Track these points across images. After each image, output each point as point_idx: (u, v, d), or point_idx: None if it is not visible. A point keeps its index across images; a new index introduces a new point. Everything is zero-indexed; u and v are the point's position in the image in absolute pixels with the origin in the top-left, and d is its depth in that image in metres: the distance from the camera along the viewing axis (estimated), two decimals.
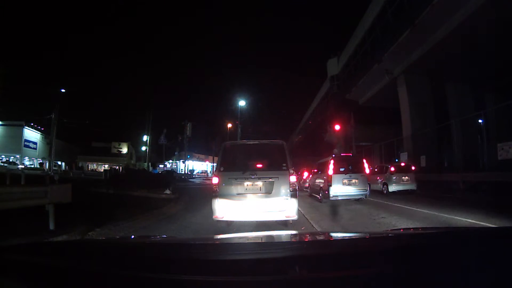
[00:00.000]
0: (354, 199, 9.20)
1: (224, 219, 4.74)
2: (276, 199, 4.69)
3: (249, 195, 4.71)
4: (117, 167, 38.17)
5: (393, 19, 15.61)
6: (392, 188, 11.60)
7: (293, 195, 4.72)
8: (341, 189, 8.88)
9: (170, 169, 46.61)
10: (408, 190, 11.55)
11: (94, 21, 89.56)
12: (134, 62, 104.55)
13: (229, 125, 31.20)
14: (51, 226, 4.45)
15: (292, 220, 4.91)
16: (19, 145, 42.81)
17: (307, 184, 12.88)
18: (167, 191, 11.17)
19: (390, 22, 15.94)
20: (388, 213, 6.78)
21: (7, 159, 38.92)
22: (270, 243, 1.44)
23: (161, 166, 49.46)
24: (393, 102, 18.29)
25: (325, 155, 12.81)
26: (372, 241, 1.37)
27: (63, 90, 28.39)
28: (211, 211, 4.83)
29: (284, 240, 1.67)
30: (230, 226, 5.15)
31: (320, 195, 9.44)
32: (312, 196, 10.96)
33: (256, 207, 4.67)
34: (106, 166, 49.30)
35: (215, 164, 8.90)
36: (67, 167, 49.55)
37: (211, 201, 4.80)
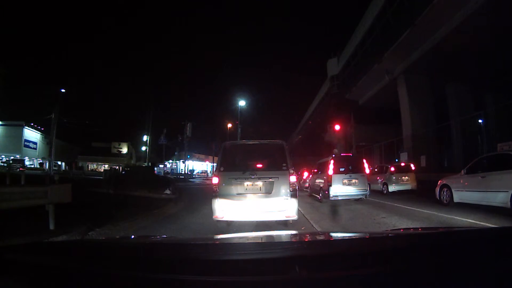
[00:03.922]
0: (354, 199, 9.20)
1: (224, 219, 4.73)
2: (276, 199, 4.68)
3: (249, 195, 4.70)
4: (117, 167, 38.15)
5: (393, 19, 15.60)
6: (392, 188, 11.60)
7: (293, 195, 4.71)
8: (341, 189, 8.88)
9: (167, 171, 46.69)
10: (408, 190, 11.55)
11: (94, 21, 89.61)
12: (135, 62, 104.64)
13: (229, 125, 31.18)
14: (51, 226, 4.45)
15: (292, 220, 4.90)
16: (19, 145, 42.84)
17: (307, 184, 12.88)
18: (167, 191, 11.17)
19: (390, 22, 15.94)
20: (388, 213, 6.78)
21: (7, 159, 38.94)
22: (270, 243, 1.44)
23: (161, 166, 49.46)
24: (393, 102, 18.30)
25: (325, 155, 12.81)
26: (372, 241, 1.37)
27: (63, 90, 28.31)
28: (211, 211, 4.83)
29: (284, 240, 1.66)
30: (230, 226, 5.14)
31: (320, 195, 9.44)
32: (312, 196, 10.96)
33: (256, 207, 4.67)
34: (106, 166, 49.28)
35: (215, 164, 8.90)
36: (67, 167, 49.55)
37: (211, 201, 4.80)
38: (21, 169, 26.18)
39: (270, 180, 4.73)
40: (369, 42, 19.29)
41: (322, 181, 9.62)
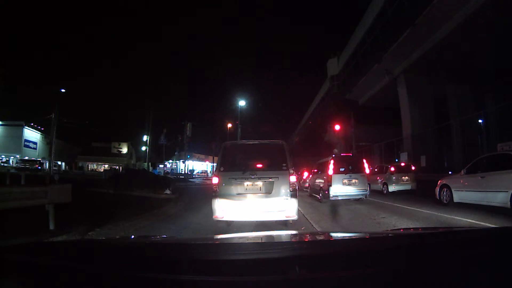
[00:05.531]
0: (354, 199, 9.20)
1: (224, 219, 4.73)
2: (276, 199, 4.68)
3: (249, 195, 4.70)
4: (117, 167, 38.17)
5: (393, 19, 15.61)
6: (392, 188, 11.60)
7: (293, 195, 4.71)
8: (341, 189, 8.88)
9: (167, 171, 46.72)
10: (408, 190, 11.56)
11: (94, 21, 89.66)
12: (134, 62, 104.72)
13: (229, 125, 31.15)
14: (51, 226, 4.45)
15: (292, 220, 4.90)
16: (19, 145, 42.81)
17: (307, 184, 12.87)
18: (167, 191, 11.18)
19: (390, 22, 15.94)
20: (388, 213, 6.78)
21: (7, 159, 38.99)
22: (270, 243, 1.44)
23: (161, 166, 49.46)
24: (393, 102, 18.30)
25: (325, 155, 12.81)
26: (372, 241, 1.37)
27: (63, 90, 28.27)
28: (211, 211, 4.83)
29: (284, 240, 1.67)
30: (230, 226, 5.15)
31: (320, 195, 9.43)
32: (312, 196, 10.96)
33: (256, 207, 4.67)
34: (106, 166, 49.31)
35: (215, 164, 8.89)
36: (67, 167, 49.55)
37: (211, 201, 4.80)
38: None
39: (270, 180, 4.73)
40: (369, 42, 19.29)
41: (322, 181, 9.62)
